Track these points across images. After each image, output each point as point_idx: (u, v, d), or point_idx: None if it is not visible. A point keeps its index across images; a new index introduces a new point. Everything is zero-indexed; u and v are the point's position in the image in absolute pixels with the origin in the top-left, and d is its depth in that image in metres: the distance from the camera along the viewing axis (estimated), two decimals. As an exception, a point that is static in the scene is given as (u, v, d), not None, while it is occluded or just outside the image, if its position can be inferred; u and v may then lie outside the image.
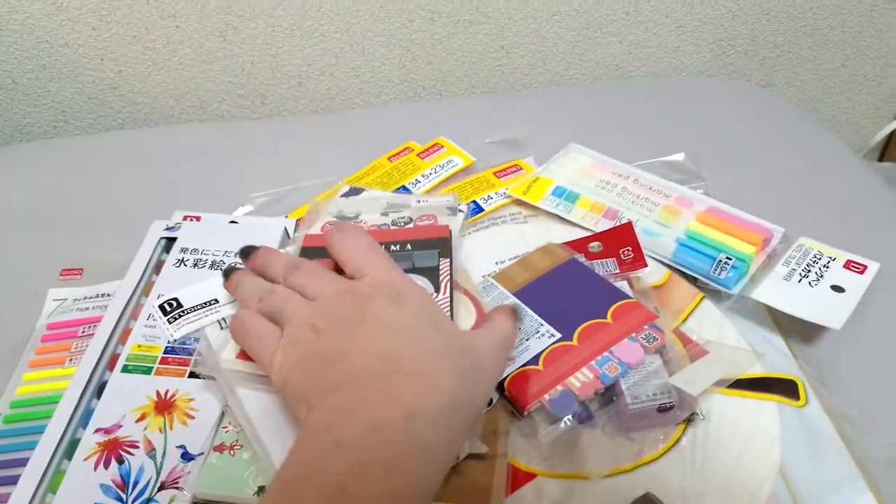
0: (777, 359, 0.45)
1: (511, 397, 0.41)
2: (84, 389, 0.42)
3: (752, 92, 0.80)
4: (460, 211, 0.54)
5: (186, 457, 0.39)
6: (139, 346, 0.45)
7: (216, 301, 0.47)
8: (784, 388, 0.43)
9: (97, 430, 0.40)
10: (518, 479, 0.38)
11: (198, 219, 0.56)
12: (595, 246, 0.51)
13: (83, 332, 0.47)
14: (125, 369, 0.44)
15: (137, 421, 0.41)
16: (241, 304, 0.43)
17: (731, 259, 0.50)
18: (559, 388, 0.40)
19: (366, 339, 0.35)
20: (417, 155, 0.65)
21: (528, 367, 0.42)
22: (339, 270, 0.43)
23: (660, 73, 0.91)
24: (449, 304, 0.44)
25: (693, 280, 0.51)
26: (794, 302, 0.47)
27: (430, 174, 0.63)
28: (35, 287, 0.52)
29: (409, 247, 0.48)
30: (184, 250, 0.52)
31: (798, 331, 0.48)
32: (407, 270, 0.44)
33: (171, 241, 0.53)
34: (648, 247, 0.52)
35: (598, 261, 0.50)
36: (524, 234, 0.55)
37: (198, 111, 0.81)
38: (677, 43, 0.88)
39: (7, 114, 0.77)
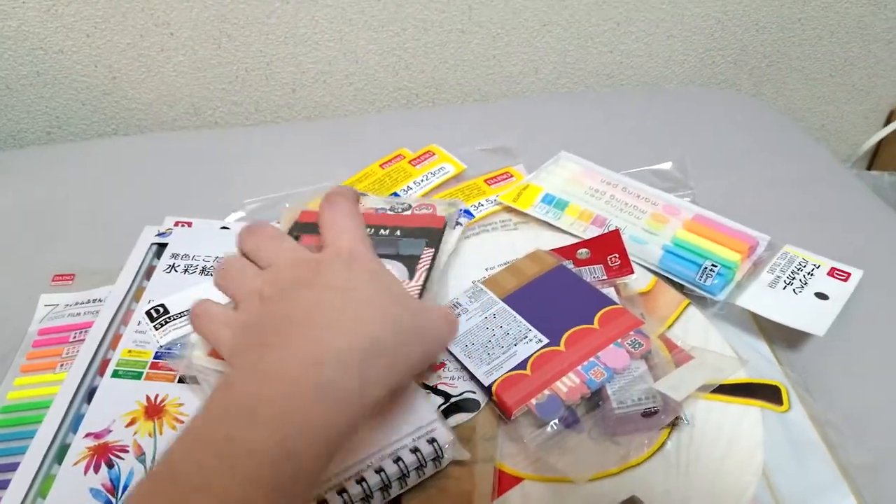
0: (761, 365, 0.46)
1: (498, 401, 0.41)
2: (74, 394, 0.43)
3: (742, 101, 0.81)
4: (459, 224, 0.54)
5: (176, 461, 0.39)
6: (129, 351, 0.45)
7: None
8: (768, 393, 0.44)
9: (87, 435, 0.40)
10: (505, 482, 0.39)
11: (189, 224, 0.56)
12: (583, 253, 0.52)
13: (74, 337, 0.48)
14: (115, 374, 0.44)
15: (127, 426, 0.41)
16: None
17: (716, 266, 0.50)
18: (546, 392, 0.41)
19: (311, 303, 0.34)
20: (409, 162, 0.66)
21: (515, 372, 0.42)
22: None
23: (650, 82, 0.92)
24: (420, 290, 0.44)
25: (679, 287, 0.51)
26: (779, 309, 0.48)
27: (422, 181, 0.63)
28: (27, 292, 0.53)
29: (398, 233, 0.48)
30: (174, 256, 0.52)
31: (782, 337, 0.48)
32: (390, 256, 0.45)
33: (163, 246, 0.54)
34: (635, 254, 0.53)
35: (586, 267, 0.51)
36: (514, 240, 0.56)
37: (191, 118, 0.82)
38: (668, 52, 0.89)
39: (1, 120, 0.77)
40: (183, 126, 0.82)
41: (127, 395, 0.43)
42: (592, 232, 0.55)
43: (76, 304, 0.51)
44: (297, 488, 0.29)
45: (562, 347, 0.43)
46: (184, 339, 0.46)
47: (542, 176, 0.62)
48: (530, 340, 0.44)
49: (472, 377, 0.43)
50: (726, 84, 0.94)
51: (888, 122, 1.03)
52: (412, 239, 0.48)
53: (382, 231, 0.47)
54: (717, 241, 0.53)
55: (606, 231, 0.55)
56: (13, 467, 0.39)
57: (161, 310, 0.47)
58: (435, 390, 0.44)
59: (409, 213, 0.51)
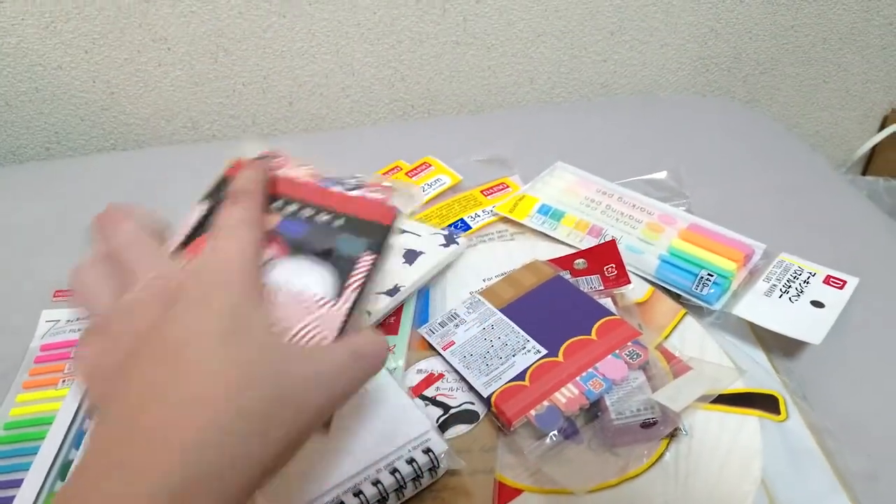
0: (758, 374, 0.46)
1: (498, 412, 0.42)
2: (77, 410, 0.43)
3: (735, 109, 0.82)
4: (455, 243, 0.54)
5: (178, 476, 0.39)
6: (131, 366, 0.46)
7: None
8: (765, 403, 0.44)
9: (89, 451, 0.41)
10: (504, 494, 0.39)
11: (189, 239, 0.56)
12: (580, 263, 0.52)
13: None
14: (117, 390, 0.44)
15: (129, 441, 0.41)
16: None
17: (712, 275, 0.51)
18: (545, 403, 0.41)
19: (141, 385, 0.27)
20: (406, 174, 0.66)
21: (514, 383, 0.42)
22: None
23: (644, 91, 0.92)
24: (344, 319, 0.32)
25: (676, 296, 0.52)
26: (775, 317, 0.48)
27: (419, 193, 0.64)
28: (28, 308, 0.53)
29: (340, 222, 0.36)
30: (175, 271, 0.52)
31: (779, 346, 0.49)
32: (323, 255, 0.34)
33: (163, 261, 0.54)
34: (632, 264, 0.53)
35: (583, 278, 0.51)
36: (510, 251, 0.56)
37: (190, 132, 0.82)
38: (661, 61, 0.90)
39: (0, 136, 0.78)
40: (181, 140, 0.83)
41: (128, 411, 0.43)
42: (589, 242, 0.56)
43: (77, 319, 0.51)
44: None
45: (560, 358, 0.44)
46: None
47: (538, 186, 0.63)
48: (528, 351, 0.44)
49: (471, 388, 0.44)
50: (720, 92, 0.95)
51: (882, 127, 1.03)
52: (353, 236, 0.35)
53: (320, 216, 0.36)
54: (712, 250, 0.53)
55: (603, 241, 0.55)
56: (17, 484, 0.39)
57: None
58: (434, 401, 0.44)
59: (357, 194, 0.37)
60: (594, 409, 0.42)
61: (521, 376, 0.43)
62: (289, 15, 0.75)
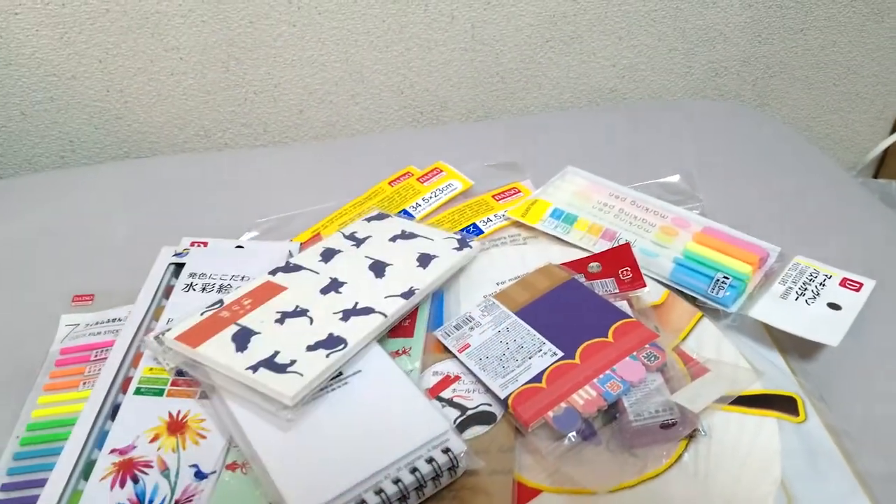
0: (776, 375, 0.46)
1: (515, 414, 0.42)
2: (99, 411, 0.43)
3: (745, 112, 0.82)
4: (469, 247, 0.54)
5: (199, 475, 0.40)
6: (151, 368, 0.46)
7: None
8: (784, 404, 0.44)
9: (112, 451, 0.41)
10: (523, 494, 0.39)
11: (205, 244, 0.57)
12: (594, 266, 0.52)
13: (95, 356, 0.48)
14: (138, 391, 0.45)
15: (151, 441, 0.41)
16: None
17: (728, 278, 0.51)
18: (563, 405, 0.41)
19: None
20: (417, 179, 0.67)
21: (531, 385, 0.43)
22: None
23: (653, 96, 0.92)
24: None
25: (691, 299, 0.52)
26: (792, 320, 0.48)
27: (431, 198, 0.64)
28: (48, 313, 0.53)
29: None
30: (192, 275, 0.53)
31: (796, 348, 0.49)
32: None
33: (180, 266, 0.54)
34: (647, 267, 0.53)
35: (598, 281, 0.51)
36: (524, 255, 0.56)
37: (202, 140, 0.83)
38: (670, 66, 0.90)
39: (16, 145, 0.78)
40: (193, 148, 0.83)
41: (150, 411, 0.43)
42: (602, 246, 0.56)
43: (96, 323, 0.51)
44: None
45: (577, 360, 0.44)
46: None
47: (550, 191, 0.63)
48: (545, 353, 0.45)
49: (488, 390, 0.44)
50: (730, 95, 0.95)
51: (894, 130, 1.03)
52: None
53: None
54: (727, 253, 0.53)
55: (617, 245, 0.55)
56: (41, 483, 0.40)
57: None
58: (451, 403, 0.44)
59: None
60: (612, 411, 0.42)
61: (537, 378, 0.43)
62: (299, 24, 0.76)
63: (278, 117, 0.83)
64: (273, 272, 0.51)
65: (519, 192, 0.65)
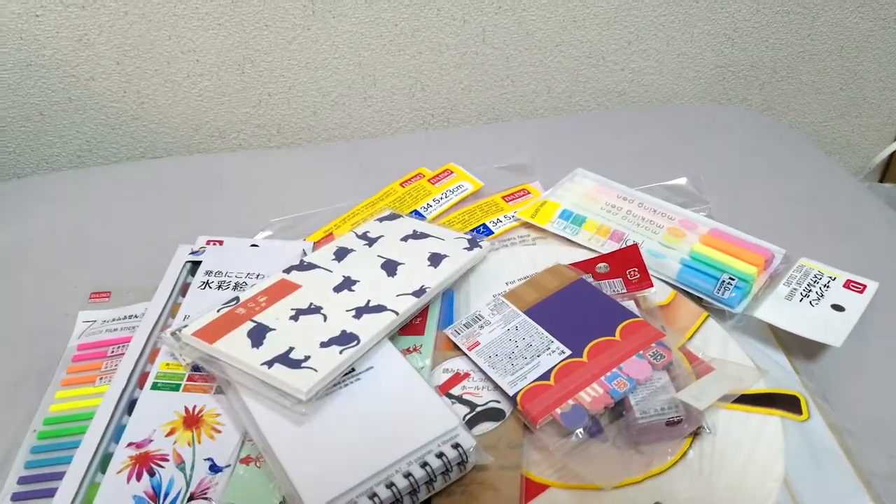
0: (780, 375, 0.47)
1: (523, 411, 0.43)
2: (116, 406, 0.44)
3: (752, 116, 0.82)
4: (479, 246, 0.55)
5: (214, 469, 0.41)
6: (167, 364, 0.47)
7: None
8: (787, 403, 0.45)
9: (129, 445, 0.42)
10: (531, 489, 0.40)
11: (220, 243, 0.58)
12: (602, 267, 0.53)
13: (112, 351, 0.49)
14: (154, 386, 0.46)
15: (167, 435, 0.43)
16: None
17: (733, 279, 0.51)
18: (570, 402, 0.42)
19: None
20: (428, 180, 0.68)
21: (539, 382, 0.43)
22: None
23: (661, 100, 0.93)
24: None
25: (697, 299, 0.52)
26: (796, 320, 0.49)
27: (441, 199, 0.65)
28: (65, 310, 0.55)
29: None
30: (208, 273, 0.54)
31: (800, 348, 0.49)
32: None
33: (196, 264, 0.55)
34: (654, 267, 0.54)
35: (606, 281, 0.52)
36: (532, 255, 0.57)
37: (217, 140, 0.84)
38: (679, 70, 0.91)
39: (34, 144, 0.80)
40: (208, 149, 0.85)
41: (166, 406, 0.44)
42: (610, 247, 0.57)
43: (113, 320, 0.52)
44: None
45: (584, 359, 0.45)
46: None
47: (559, 192, 0.64)
48: (553, 352, 0.45)
49: (497, 387, 0.45)
50: (737, 100, 0.96)
51: (899, 135, 1.04)
52: None
53: None
54: (733, 254, 0.54)
55: (625, 245, 0.56)
56: (59, 476, 0.41)
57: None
58: (460, 400, 0.45)
59: None
60: (619, 408, 0.43)
61: (545, 376, 0.44)
62: (313, 28, 0.77)
63: (292, 119, 0.85)
64: (287, 270, 0.52)
65: (528, 193, 0.66)
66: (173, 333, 0.47)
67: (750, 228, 0.58)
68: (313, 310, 0.48)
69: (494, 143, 0.75)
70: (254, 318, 0.47)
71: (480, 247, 0.55)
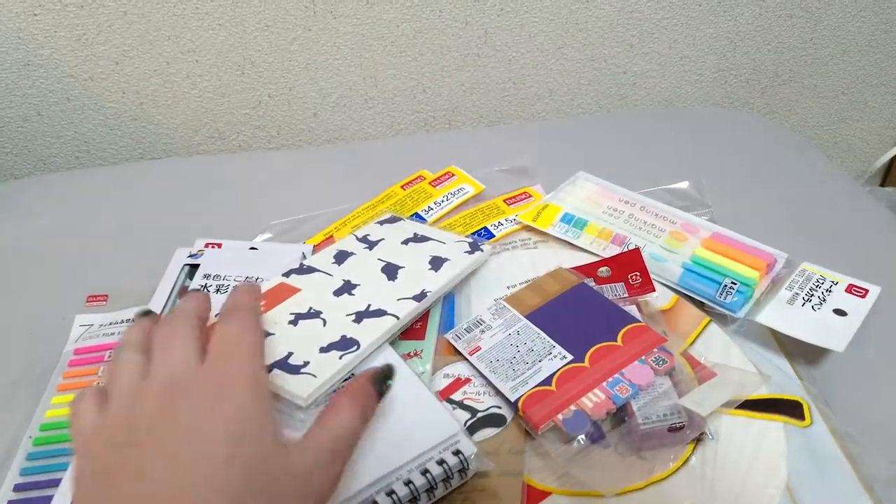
0: (782, 380, 0.47)
1: (525, 417, 0.42)
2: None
3: (754, 120, 0.82)
4: (480, 250, 0.55)
5: (212, 475, 0.40)
6: (165, 369, 0.47)
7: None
8: (790, 408, 0.45)
9: (127, 450, 0.42)
10: (533, 496, 0.40)
11: (219, 246, 0.58)
12: (604, 271, 0.53)
13: (109, 356, 0.49)
14: (152, 391, 0.45)
15: (165, 441, 0.42)
16: None
17: (735, 284, 0.51)
18: (572, 408, 0.42)
19: (139, 472, 0.28)
20: (429, 183, 0.67)
21: (541, 388, 0.43)
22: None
23: (663, 103, 0.93)
24: None
25: (699, 304, 0.52)
26: (798, 325, 0.49)
27: (442, 202, 0.65)
28: (62, 313, 0.54)
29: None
30: (206, 276, 0.54)
31: (802, 353, 0.49)
32: None
33: (194, 267, 0.55)
34: (656, 272, 0.54)
35: (607, 285, 0.52)
36: (534, 259, 0.57)
37: (216, 142, 0.84)
38: (681, 73, 0.91)
39: (32, 145, 0.80)
40: (208, 150, 0.84)
41: (164, 411, 0.44)
42: (612, 250, 0.56)
43: (110, 323, 0.52)
44: None
45: (586, 364, 0.44)
46: None
47: (561, 196, 0.64)
48: (554, 357, 0.45)
49: (498, 392, 0.44)
50: (739, 103, 0.95)
51: (901, 139, 1.03)
52: None
53: None
54: (735, 258, 0.54)
55: (626, 249, 0.56)
56: (54, 483, 0.40)
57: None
58: (461, 405, 0.44)
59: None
60: (621, 414, 0.42)
61: (547, 381, 0.44)
62: (314, 28, 0.77)
63: (292, 120, 0.84)
64: (287, 274, 0.52)
65: (530, 196, 0.65)
66: None
67: (752, 232, 0.57)
68: (313, 314, 0.47)
69: (496, 146, 0.75)
70: None
71: (482, 250, 0.55)
